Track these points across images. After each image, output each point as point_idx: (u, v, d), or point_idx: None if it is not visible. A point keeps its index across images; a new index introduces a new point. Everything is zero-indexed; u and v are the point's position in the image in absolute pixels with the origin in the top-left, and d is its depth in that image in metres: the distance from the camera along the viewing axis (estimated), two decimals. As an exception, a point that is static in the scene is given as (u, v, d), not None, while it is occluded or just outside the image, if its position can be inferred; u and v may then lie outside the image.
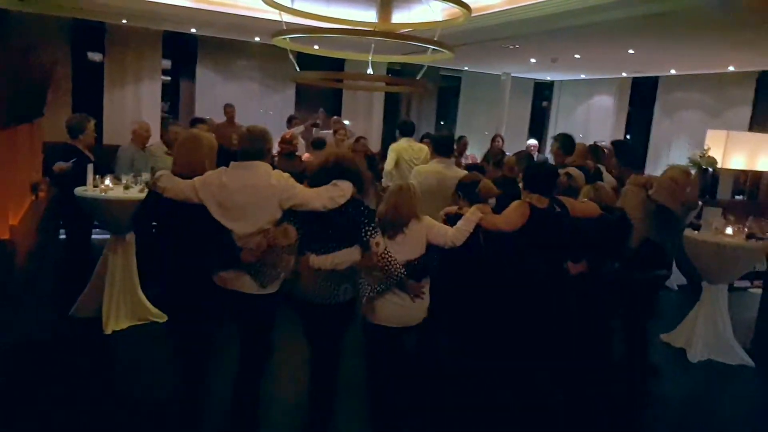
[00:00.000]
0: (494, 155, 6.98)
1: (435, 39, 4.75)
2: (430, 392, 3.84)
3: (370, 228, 2.98)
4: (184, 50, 11.11)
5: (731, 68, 9.49)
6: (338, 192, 2.96)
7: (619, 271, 3.81)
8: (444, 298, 3.33)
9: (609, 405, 4.06)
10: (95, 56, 10.53)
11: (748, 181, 9.16)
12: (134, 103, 10.53)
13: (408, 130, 6.10)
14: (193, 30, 10.14)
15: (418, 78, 5.04)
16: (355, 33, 4.46)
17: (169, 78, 11.33)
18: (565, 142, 4.72)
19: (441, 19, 5.22)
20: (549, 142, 14.06)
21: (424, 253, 3.17)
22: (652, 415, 4.13)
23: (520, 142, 12.10)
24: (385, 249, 3.01)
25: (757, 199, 9.24)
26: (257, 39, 10.47)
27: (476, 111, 13.52)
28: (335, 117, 9.91)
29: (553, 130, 14.23)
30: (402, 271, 3.04)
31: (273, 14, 4.96)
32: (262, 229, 2.93)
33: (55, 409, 3.56)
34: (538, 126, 14.33)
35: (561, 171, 3.72)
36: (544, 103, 14.44)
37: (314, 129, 9.20)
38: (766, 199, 9.19)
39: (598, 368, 4.03)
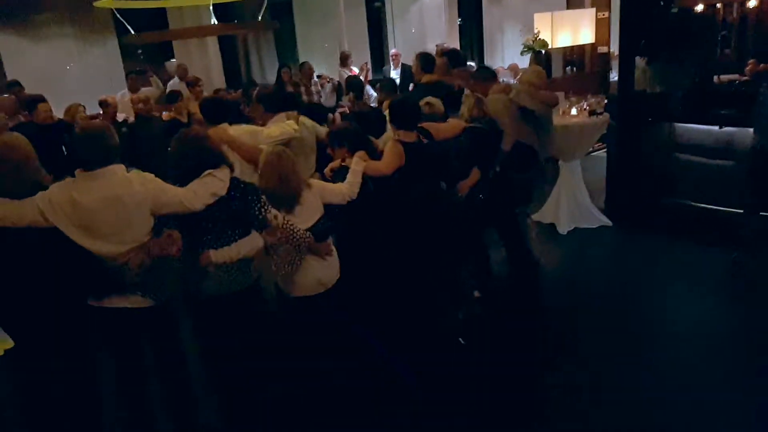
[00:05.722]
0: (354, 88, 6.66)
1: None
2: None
3: (260, 204, 2.86)
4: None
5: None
6: (219, 185, 2.71)
7: (498, 173, 4.12)
8: (351, 250, 3.40)
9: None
10: None
11: (574, 54, 9.97)
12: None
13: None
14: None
15: (260, 18, 4.83)
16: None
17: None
18: (423, 60, 4.88)
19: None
20: (390, 47, 14.20)
21: (323, 214, 3.20)
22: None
23: (362, 51, 12.09)
24: (284, 219, 2.99)
25: (583, 69, 10.14)
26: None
27: (313, 30, 13.17)
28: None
29: (391, 35, 14.32)
30: (308, 236, 3.06)
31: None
32: (138, 244, 2.56)
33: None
34: (376, 32, 14.29)
35: (421, 102, 3.86)
36: (377, 4, 14.20)
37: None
38: (591, 67, 10.12)
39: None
